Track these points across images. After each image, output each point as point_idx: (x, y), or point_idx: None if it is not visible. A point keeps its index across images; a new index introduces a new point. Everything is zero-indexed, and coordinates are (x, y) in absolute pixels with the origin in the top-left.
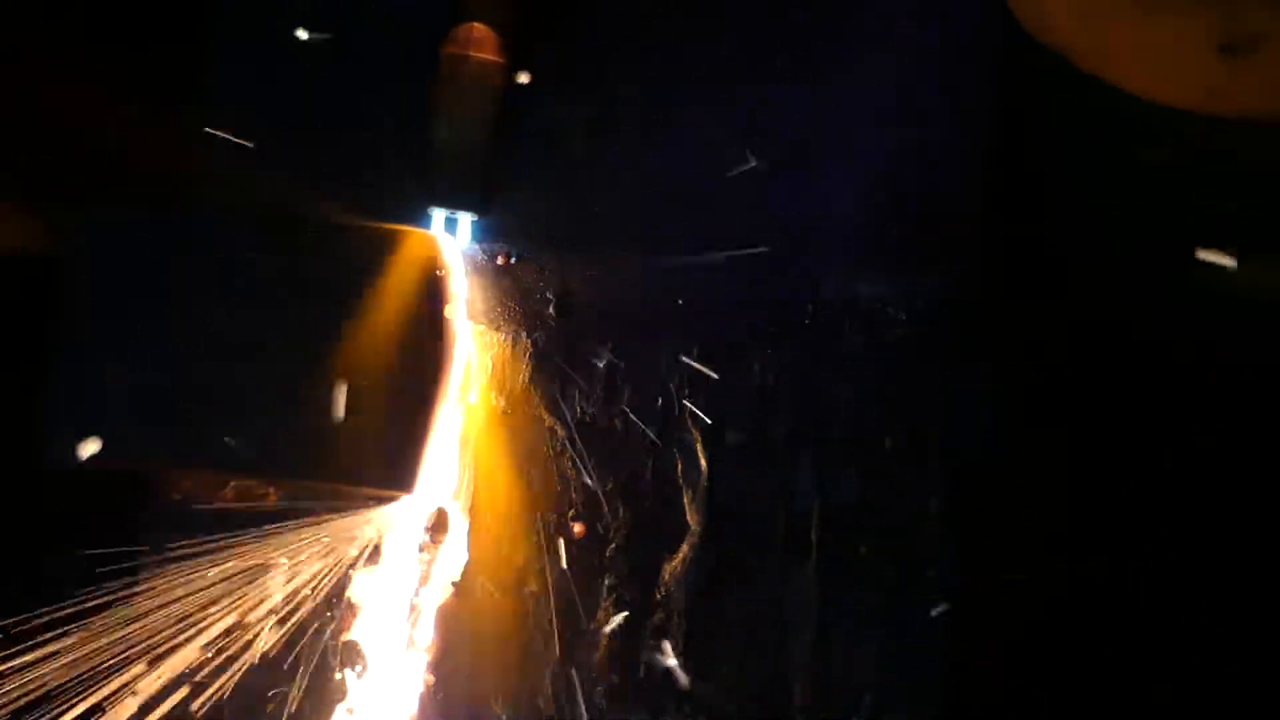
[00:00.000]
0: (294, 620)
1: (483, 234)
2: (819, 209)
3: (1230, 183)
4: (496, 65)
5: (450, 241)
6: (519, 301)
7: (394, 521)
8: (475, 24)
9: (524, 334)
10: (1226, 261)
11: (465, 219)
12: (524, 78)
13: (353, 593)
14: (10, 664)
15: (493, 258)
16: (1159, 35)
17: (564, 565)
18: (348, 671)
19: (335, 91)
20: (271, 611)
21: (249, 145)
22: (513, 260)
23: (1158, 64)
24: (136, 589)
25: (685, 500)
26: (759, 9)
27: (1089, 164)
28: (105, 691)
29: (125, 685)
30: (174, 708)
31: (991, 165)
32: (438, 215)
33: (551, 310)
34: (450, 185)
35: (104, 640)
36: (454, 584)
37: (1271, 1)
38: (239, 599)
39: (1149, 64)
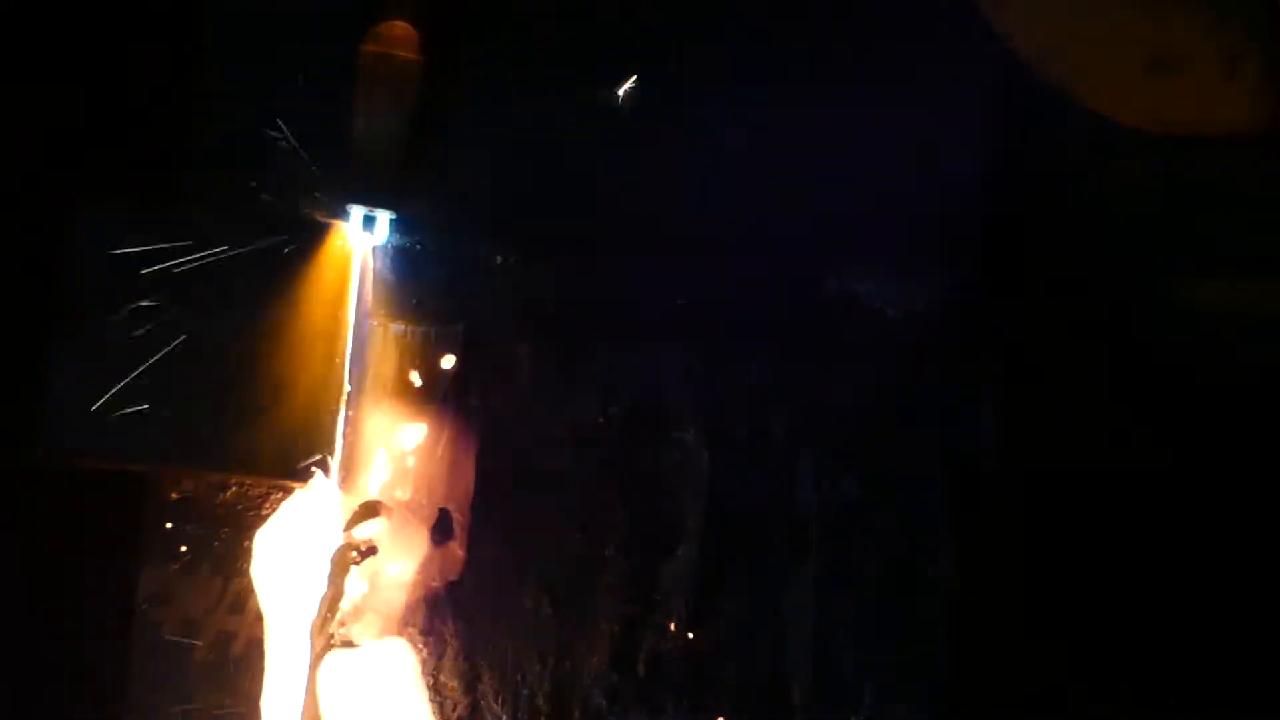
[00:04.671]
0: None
1: (482, 234)
2: (820, 210)
3: (1223, 195)
4: (416, 63)
5: (367, 235)
6: (519, 302)
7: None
8: (397, 22)
9: (524, 334)
10: (1223, 268)
11: (383, 216)
12: (522, 79)
13: (351, 592)
14: None
15: (492, 259)
16: (1096, 52)
17: (564, 565)
18: (347, 670)
19: (255, 87)
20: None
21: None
22: (512, 261)
23: (1097, 79)
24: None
25: (685, 500)
26: (761, 9)
27: (1089, 168)
28: None
29: None
30: None
31: (992, 167)
32: (356, 212)
33: (551, 310)
34: (368, 182)
35: None
36: (453, 584)
37: (1189, 21)
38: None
39: (1091, 79)
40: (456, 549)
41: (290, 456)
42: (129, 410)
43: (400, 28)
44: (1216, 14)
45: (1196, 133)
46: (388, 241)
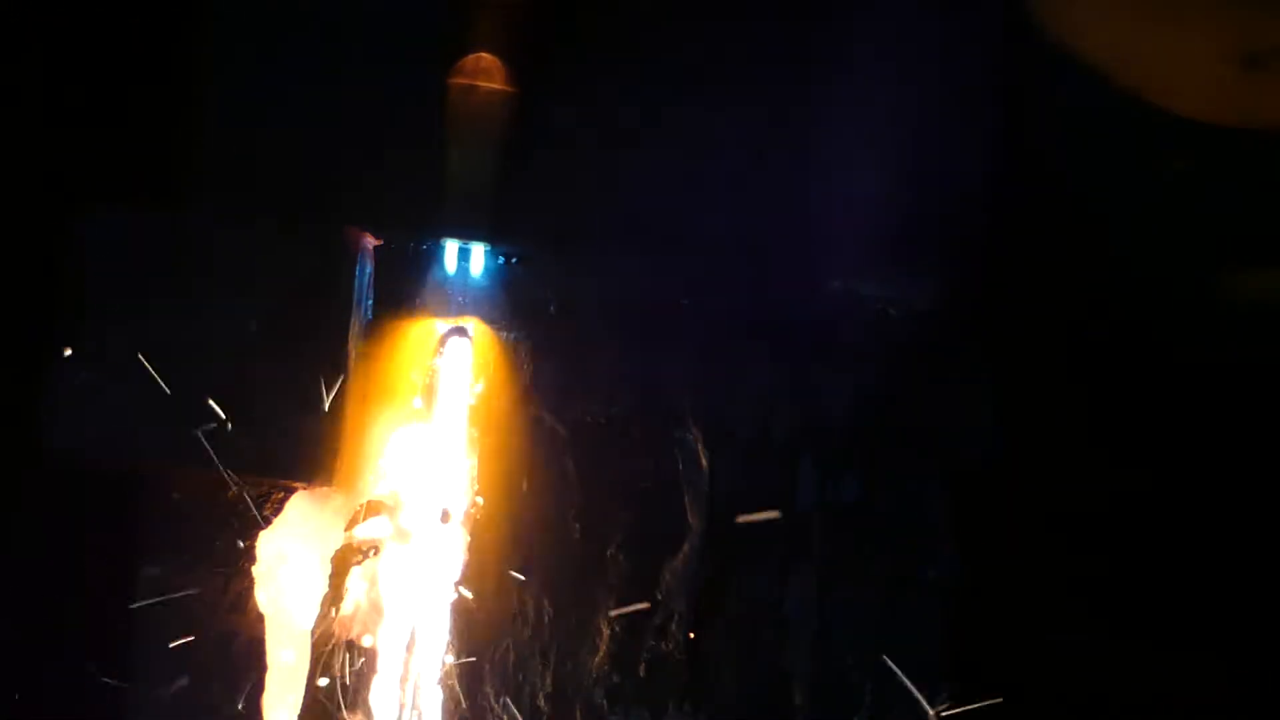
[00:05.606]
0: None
1: (486, 235)
2: (821, 210)
3: (1234, 190)
4: (505, 95)
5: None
6: (521, 302)
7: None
8: (483, 54)
9: (526, 334)
10: (1227, 267)
11: (478, 248)
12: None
13: (353, 592)
14: None
15: (495, 258)
16: (1183, 48)
17: (565, 565)
18: (348, 671)
19: (347, 122)
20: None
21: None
22: (514, 261)
23: (1182, 77)
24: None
25: (685, 500)
26: (761, 13)
27: (1091, 167)
28: None
29: None
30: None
31: (993, 167)
32: (450, 246)
33: (553, 310)
34: (462, 216)
35: None
36: (455, 584)
37: None
38: None
39: (1174, 77)
40: (457, 549)
41: (290, 456)
42: (129, 410)
43: (487, 59)
44: None
45: None
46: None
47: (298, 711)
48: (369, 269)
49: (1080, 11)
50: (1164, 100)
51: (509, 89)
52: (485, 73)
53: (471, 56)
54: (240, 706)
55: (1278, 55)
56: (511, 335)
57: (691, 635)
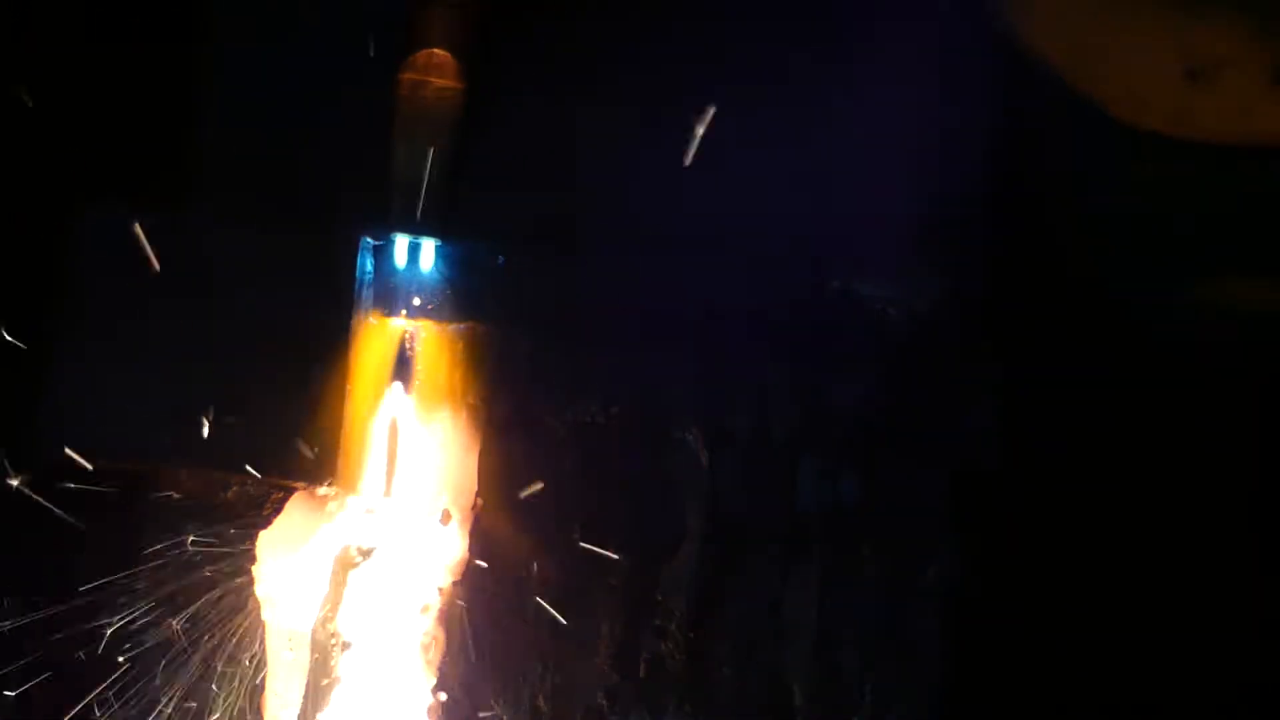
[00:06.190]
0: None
1: (487, 236)
2: (821, 210)
3: (1235, 193)
4: (456, 90)
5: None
6: (521, 302)
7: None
8: (435, 50)
9: (526, 334)
10: (1228, 269)
11: (428, 244)
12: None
13: (353, 592)
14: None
15: (495, 259)
16: (1128, 60)
17: (564, 565)
18: (348, 671)
19: (296, 115)
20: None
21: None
22: (513, 261)
23: (1127, 87)
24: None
25: (685, 500)
26: (760, 11)
27: (1092, 167)
28: None
29: None
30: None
31: (993, 168)
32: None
33: (553, 310)
34: (411, 211)
35: None
36: (454, 584)
37: (1233, 27)
38: None
39: (1120, 87)
40: (457, 549)
41: (290, 456)
42: (129, 410)
43: (438, 55)
44: (1258, 22)
45: (1234, 142)
46: (391, 242)
47: (298, 711)
48: (369, 269)
49: (1040, 17)
50: (1116, 111)
51: (505, 89)
52: (448, 91)
53: (430, 63)
54: (241, 706)
55: (1217, 68)
56: (511, 335)
57: (691, 635)
